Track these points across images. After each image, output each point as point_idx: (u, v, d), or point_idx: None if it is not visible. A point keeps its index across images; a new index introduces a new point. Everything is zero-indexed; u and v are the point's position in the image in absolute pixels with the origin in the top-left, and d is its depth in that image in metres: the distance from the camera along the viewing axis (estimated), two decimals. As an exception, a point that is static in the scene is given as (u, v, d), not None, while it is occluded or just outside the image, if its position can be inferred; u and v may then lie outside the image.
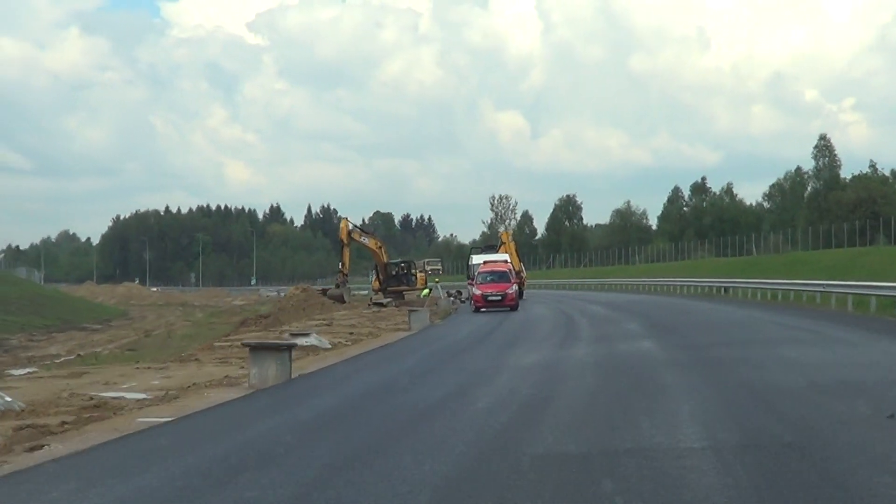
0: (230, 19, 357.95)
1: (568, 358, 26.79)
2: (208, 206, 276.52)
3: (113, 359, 41.76)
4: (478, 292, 58.04)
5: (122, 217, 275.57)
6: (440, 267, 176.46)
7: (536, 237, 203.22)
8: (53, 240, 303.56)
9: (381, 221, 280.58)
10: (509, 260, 74.63)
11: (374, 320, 52.53)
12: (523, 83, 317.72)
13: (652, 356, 26.55)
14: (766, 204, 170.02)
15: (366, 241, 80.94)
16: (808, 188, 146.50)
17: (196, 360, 32.26)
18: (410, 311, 46.14)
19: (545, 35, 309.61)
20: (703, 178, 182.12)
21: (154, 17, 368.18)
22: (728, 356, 25.50)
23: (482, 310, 56.61)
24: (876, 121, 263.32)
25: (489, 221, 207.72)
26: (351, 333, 42.36)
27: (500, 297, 56.83)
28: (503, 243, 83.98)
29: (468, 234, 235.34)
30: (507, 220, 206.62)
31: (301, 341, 36.02)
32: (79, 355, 49.02)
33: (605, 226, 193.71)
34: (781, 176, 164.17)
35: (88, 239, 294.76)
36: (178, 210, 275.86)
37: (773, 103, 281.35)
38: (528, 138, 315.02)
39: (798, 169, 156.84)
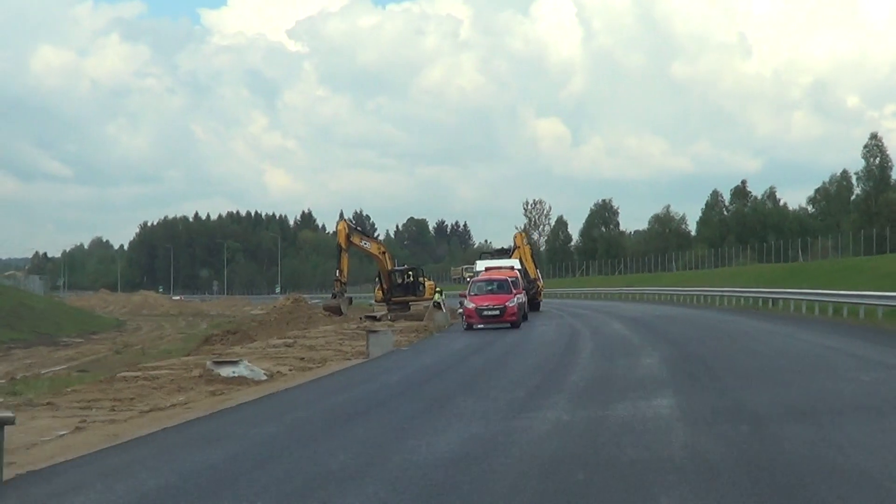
0: (271, 27, 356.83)
1: (514, 440, 15.53)
2: (238, 212, 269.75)
3: (49, 383, 33.88)
4: (471, 305, 48.29)
5: (150, 223, 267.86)
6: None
7: (571, 243, 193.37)
8: (87, 247, 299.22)
9: (415, 227, 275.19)
10: (520, 266, 65.83)
11: (352, 338, 43.50)
12: (564, 90, 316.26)
13: (665, 447, 14.27)
14: (810, 208, 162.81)
15: (367, 245, 72.05)
16: (857, 191, 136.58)
17: (49, 404, 23.40)
18: (370, 332, 36.72)
19: (586, 42, 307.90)
20: (744, 182, 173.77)
21: (195, 25, 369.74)
22: (812, 455, 13.35)
23: (477, 326, 47.47)
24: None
25: (523, 227, 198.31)
26: (302, 359, 34.07)
27: (497, 312, 47.30)
28: (517, 247, 74.66)
29: (504, 240, 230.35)
30: (542, 226, 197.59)
31: (226, 371, 27.88)
32: (13, 378, 41.35)
33: (642, 232, 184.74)
34: (826, 180, 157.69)
35: (122, 246, 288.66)
36: (208, 216, 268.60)
37: (815, 110, 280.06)
38: (568, 145, 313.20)
39: (844, 172, 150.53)
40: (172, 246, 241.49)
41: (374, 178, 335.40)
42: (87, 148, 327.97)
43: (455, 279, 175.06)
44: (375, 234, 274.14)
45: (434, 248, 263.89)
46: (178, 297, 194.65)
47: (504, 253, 75.30)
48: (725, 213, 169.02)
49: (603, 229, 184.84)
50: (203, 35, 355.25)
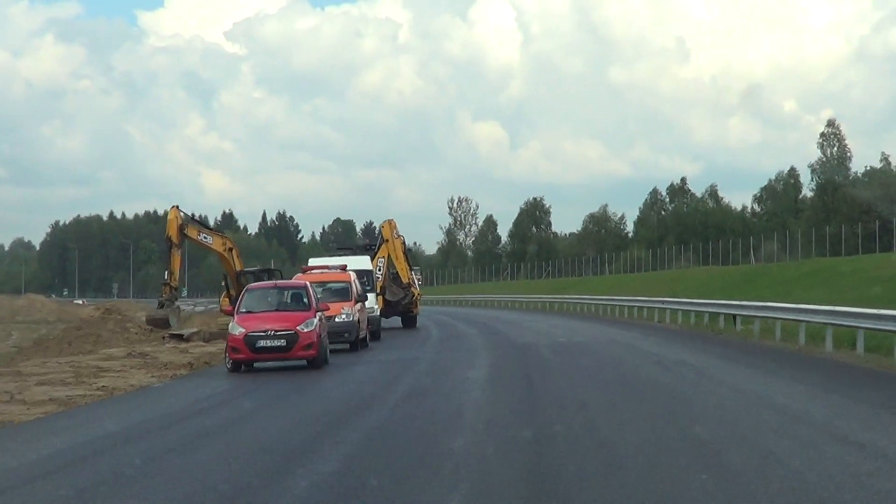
0: (208, 28, 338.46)
1: None
2: (155, 211, 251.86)
3: None
4: (237, 332, 28.59)
5: (62, 223, 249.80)
6: (420, 276, 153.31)
7: (500, 245, 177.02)
8: (7, 248, 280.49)
9: (341, 229, 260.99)
10: (380, 267, 49.43)
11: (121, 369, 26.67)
12: (502, 94, 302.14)
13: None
14: (755, 207, 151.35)
15: (207, 240, 55.63)
16: (811, 186, 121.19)
17: None
18: None
19: (525, 46, 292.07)
20: (683, 179, 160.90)
21: (131, 26, 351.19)
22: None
23: (255, 365, 29.45)
24: (853, 133, 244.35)
25: (447, 227, 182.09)
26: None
27: (281, 344, 28.32)
28: (384, 241, 56.75)
29: (434, 243, 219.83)
30: (468, 226, 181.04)
31: None
32: None
33: (577, 234, 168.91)
34: (773, 177, 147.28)
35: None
36: (123, 215, 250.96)
37: (752, 115, 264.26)
38: (507, 149, 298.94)
39: (792, 170, 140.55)
40: (81, 247, 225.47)
41: (311, 180, 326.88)
42: (21, 149, 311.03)
43: None
44: (299, 237, 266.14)
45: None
46: (80, 301, 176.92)
47: (368, 250, 57.70)
48: (664, 213, 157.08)
49: (534, 230, 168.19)
50: (139, 36, 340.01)
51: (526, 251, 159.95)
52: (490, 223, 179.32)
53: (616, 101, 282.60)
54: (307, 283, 32.26)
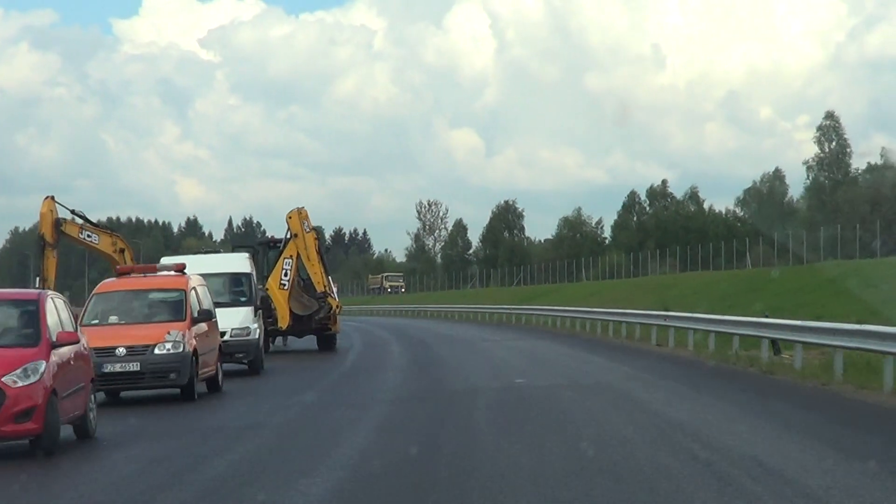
0: (183, 36, 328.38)
1: None
2: (118, 217, 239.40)
3: None
4: None
5: (21, 229, 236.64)
6: (402, 283, 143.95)
7: (471, 251, 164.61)
8: None
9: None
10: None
11: None
12: (478, 101, 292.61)
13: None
14: (738, 211, 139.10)
15: (91, 238, 44.68)
16: (808, 183, 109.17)
17: None
18: None
19: (500, 53, 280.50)
20: (664, 182, 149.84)
21: (106, 34, 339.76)
22: None
23: None
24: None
25: (415, 232, 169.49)
26: None
27: None
28: (293, 236, 43.10)
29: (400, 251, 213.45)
30: (437, 230, 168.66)
31: None
32: None
33: (550, 240, 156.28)
34: (757, 179, 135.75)
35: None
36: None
37: (728, 121, 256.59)
38: (482, 156, 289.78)
39: (777, 171, 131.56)
40: (29, 253, 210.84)
41: (287, 188, 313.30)
42: None
43: (373, 290, 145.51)
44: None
45: (329, 258, 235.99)
46: None
47: (272, 248, 44.92)
48: (640, 217, 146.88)
49: (506, 234, 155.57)
50: (114, 44, 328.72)
51: (497, 257, 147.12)
52: (460, 227, 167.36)
53: (592, 109, 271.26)
54: (46, 296, 18.76)
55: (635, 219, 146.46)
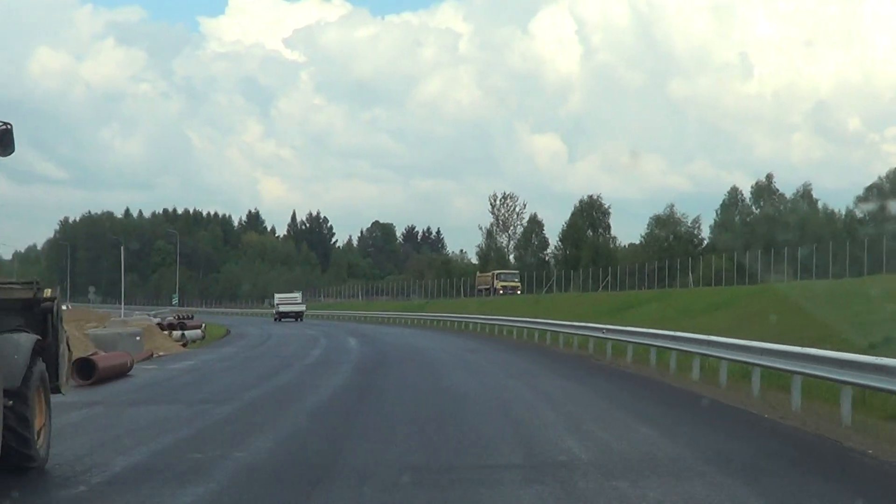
0: (268, 35, 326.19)
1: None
2: (175, 209, 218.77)
3: None
4: None
5: (71, 220, 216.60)
6: (518, 283, 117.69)
7: (547, 250, 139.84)
8: (39, 248, 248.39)
9: (380, 233, 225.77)
10: None
11: None
12: (562, 106, 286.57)
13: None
14: (857, 212, 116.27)
15: None
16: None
17: None
18: None
19: (585, 59, 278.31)
20: (769, 177, 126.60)
21: (192, 32, 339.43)
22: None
23: None
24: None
25: (488, 227, 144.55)
26: None
27: None
28: None
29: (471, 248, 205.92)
30: (512, 227, 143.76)
31: None
32: None
33: (636, 245, 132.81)
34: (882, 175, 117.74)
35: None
36: (140, 213, 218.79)
37: (815, 132, 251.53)
38: (565, 162, 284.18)
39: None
40: (90, 246, 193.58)
41: (369, 189, 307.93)
42: (81, 152, 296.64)
43: (482, 290, 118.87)
44: (333, 241, 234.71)
45: (401, 256, 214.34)
46: (64, 307, 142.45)
47: None
48: (745, 217, 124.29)
49: (589, 233, 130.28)
50: (200, 41, 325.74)
51: (579, 258, 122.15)
52: (535, 223, 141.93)
53: (676, 115, 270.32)
54: None
55: (737, 218, 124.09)
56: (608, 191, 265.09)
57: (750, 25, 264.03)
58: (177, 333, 51.98)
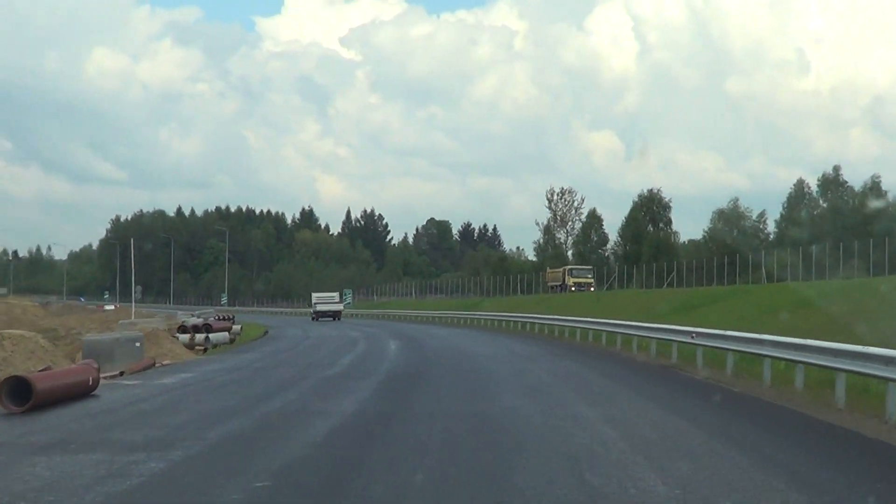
0: (324, 34, 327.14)
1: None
2: (227, 207, 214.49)
3: None
4: None
5: (123, 219, 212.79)
6: (592, 280, 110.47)
7: (607, 245, 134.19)
8: (94, 247, 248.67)
9: (435, 230, 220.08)
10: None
11: None
12: (618, 104, 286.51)
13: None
14: None
15: None
16: None
17: None
18: None
19: (641, 56, 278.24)
20: (836, 168, 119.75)
21: (248, 31, 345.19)
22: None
23: None
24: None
25: (545, 223, 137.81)
26: None
27: None
28: None
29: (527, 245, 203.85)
30: (570, 222, 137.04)
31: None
32: None
33: (696, 241, 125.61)
34: None
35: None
36: (192, 212, 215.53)
37: (873, 127, 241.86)
38: (621, 159, 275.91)
39: None
40: (142, 245, 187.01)
41: (425, 187, 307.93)
42: (138, 151, 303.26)
43: (553, 287, 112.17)
44: (388, 239, 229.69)
45: (457, 253, 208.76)
46: (111, 307, 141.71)
47: None
48: (812, 212, 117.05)
49: (650, 228, 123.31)
50: (256, 41, 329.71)
51: (640, 253, 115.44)
52: (594, 219, 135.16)
53: (733, 113, 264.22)
54: None
55: (804, 212, 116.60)
56: (665, 188, 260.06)
57: (806, 21, 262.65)
58: (200, 336, 45.72)
